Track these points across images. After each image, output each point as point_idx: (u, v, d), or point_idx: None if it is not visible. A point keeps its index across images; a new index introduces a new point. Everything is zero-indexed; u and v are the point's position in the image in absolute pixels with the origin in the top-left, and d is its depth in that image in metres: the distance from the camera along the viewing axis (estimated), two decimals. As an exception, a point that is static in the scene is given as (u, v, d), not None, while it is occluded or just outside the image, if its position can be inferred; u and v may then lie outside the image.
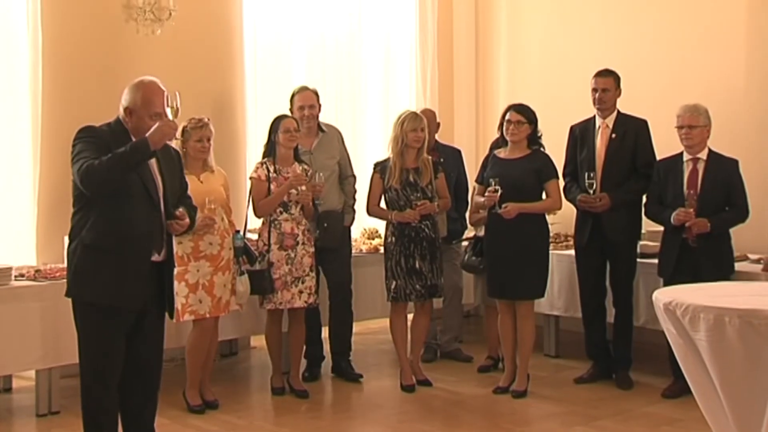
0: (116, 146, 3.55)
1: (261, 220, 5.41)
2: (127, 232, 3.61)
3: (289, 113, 5.50)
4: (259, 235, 5.42)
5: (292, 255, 5.30)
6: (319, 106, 5.67)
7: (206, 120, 5.06)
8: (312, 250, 5.40)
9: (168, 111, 3.58)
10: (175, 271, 4.07)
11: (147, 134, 3.51)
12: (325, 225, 5.53)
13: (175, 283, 4.25)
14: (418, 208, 5.40)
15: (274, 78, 6.92)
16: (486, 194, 5.22)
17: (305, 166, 5.46)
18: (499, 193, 5.16)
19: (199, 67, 6.19)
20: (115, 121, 3.74)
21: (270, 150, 5.37)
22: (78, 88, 5.67)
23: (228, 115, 6.35)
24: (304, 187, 5.31)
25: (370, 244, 6.51)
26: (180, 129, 4.90)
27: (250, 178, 5.37)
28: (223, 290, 5.11)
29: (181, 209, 3.79)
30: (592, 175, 5.36)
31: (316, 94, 5.68)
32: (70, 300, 3.72)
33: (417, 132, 5.37)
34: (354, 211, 5.86)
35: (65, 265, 3.78)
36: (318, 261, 5.53)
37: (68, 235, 3.73)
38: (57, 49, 5.66)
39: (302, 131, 5.40)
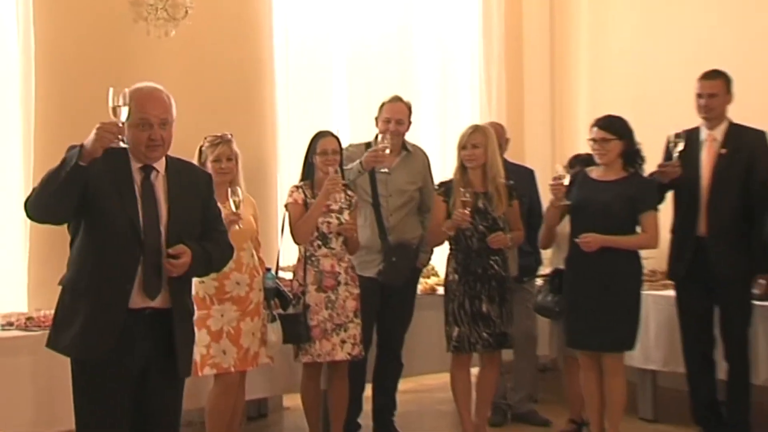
0: (110, 168, 3.49)
1: (297, 256, 5.43)
2: (99, 271, 3.51)
3: (330, 130, 5.50)
4: (294, 274, 5.43)
5: (333, 297, 5.31)
6: (409, 123, 5.78)
7: (228, 136, 5.05)
8: (357, 291, 5.40)
9: (109, 111, 3.41)
10: (195, 316, 4.05)
11: (84, 142, 3.38)
12: (393, 259, 5.59)
13: (195, 330, 4.05)
14: (491, 241, 5.38)
15: (309, 89, 6.98)
16: (551, 183, 5.16)
17: (350, 193, 5.47)
18: (566, 182, 5.13)
19: (220, 75, 6.26)
20: None
21: (307, 173, 5.40)
22: (78, 102, 5.66)
23: (256, 133, 6.40)
24: (342, 215, 5.30)
25: (426, 283, 6.51)
26: (197, 151, 4.96)
27: (286, 205, 5.39)
28: (251, 339, 5.10)
29: (180, 245, 3.58)
30: (680, 134, 5.34)
31: (409, 108, 5.78)
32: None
33: (468, 149, 5.37)
34: (431, 252, 5.90)
35: None
36: (370, 300, 5.55)
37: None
38: (52, 56, 5.70)
39: (384, 144, 5.43)
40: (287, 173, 6.56)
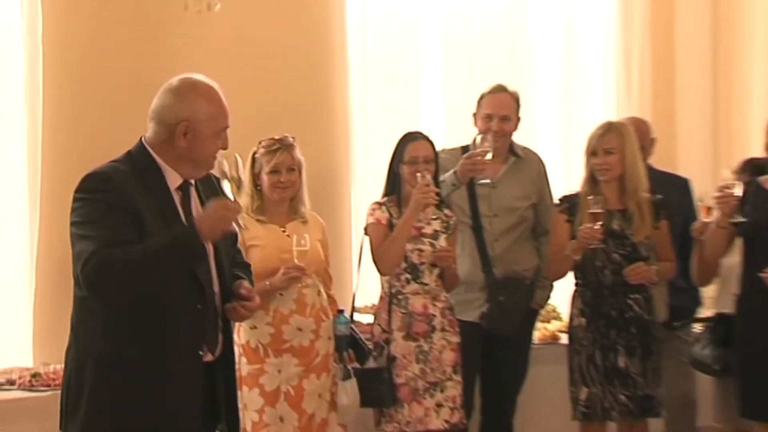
0: (142, 192, 3.55)
1: (379, 294, 5.46)
2: (164, 331, 3.57)
3: (421, 132, 5.51)
4: (375, 317, 5.43)
5: (426, 347, 5.30)
6: (517, 120, 5.80)
7: (289, 140, 5.08)
8: (456, 340, 5.39)
9: (225, 186, 3.62)
10: (245, 371, 4.29)
11: (198, 221, 3.53)
12: (501, 299, 5.56)
13: (243, 389, 4.45)
14: (630, 275, 5.31)
15: (392, 80, 6.97)
16: (717, 195, 5.10)
17: (447, 212, 5.48)
18: (738, 192, 5.08)
19: (278, 63, 6.25)
20: (137, 150, 3.68)
21: (392, 186, 5.41)
22: (95, 104, 5.70)
23: (323, 136, 6.39)
24: (437, 241, 5.31)
25: (545, 329, 6.49)
26: (248, 160, 4.99)
27: (365, 227, 5.39)
28: (317, 402, 5.10)
29: (246, 283, 3.74)
30: None
31: (517, 100, 5.81)
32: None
33: (599, 156, 5.35)
34: (552, 287, 5.89)
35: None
36: (472, 352, 5.51)
37: (71, 338, 3.69)
38: (63, 40, 5.72)
39: (484, 147, 5.44)
40: (364, 187, 6.59)
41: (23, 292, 5.76)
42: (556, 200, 5.67)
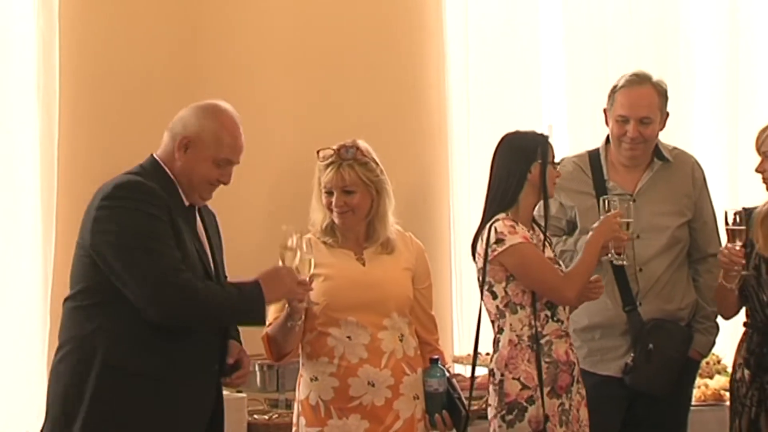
0: (172, 207, 3.79)
1: (506, 337, 4.92)
2: (180, 344, 3.81)
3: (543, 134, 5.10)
4: (501, 368, 4.87)
5: (567, 405, 4.86)
6: (664, 116, 5.40)
7: (349, 153, 4.62)
8: (583, 392, 5.05)
9: (291, 259, 3.94)
10: None
11: (264, 283, 3.84)
12: (650, 347, 5.15)
13: None
14: None
15: (500, 73, 6.75)
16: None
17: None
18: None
19: (360, 57, 6.09)
20: (151, 164, 3.89)
21: (513, 197, 4.92)
22: (121, 102, 5.64)
23: (415, 143, 6.29)
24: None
25: (706, 387, 6.00)
26: (316, 174, 4.72)
27: (514, 245, 4.82)
28: None
29: (232, 348, 3.98)
30: None
31: (662, 93, 5.41)
32: None
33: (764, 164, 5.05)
34: (717, 327, 5.46)
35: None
36: (610, 414, 5.18)
37: (68, 347, 3.83)
38: (81, 32, 5.60)
39: (623, 158, 5.29)
40: (465, 202, 6.36)
41: (38, 337, 5.63)
42: (730, 215, 5.16)
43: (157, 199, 3.75)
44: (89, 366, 3.75)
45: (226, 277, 4.13)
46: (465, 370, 5.58)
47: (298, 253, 4.20)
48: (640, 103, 5.29)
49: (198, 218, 3.99)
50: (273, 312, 4.48)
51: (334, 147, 4.63)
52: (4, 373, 5.63)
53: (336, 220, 4.59)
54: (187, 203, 3.87)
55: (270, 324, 4.45)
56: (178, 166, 3.86)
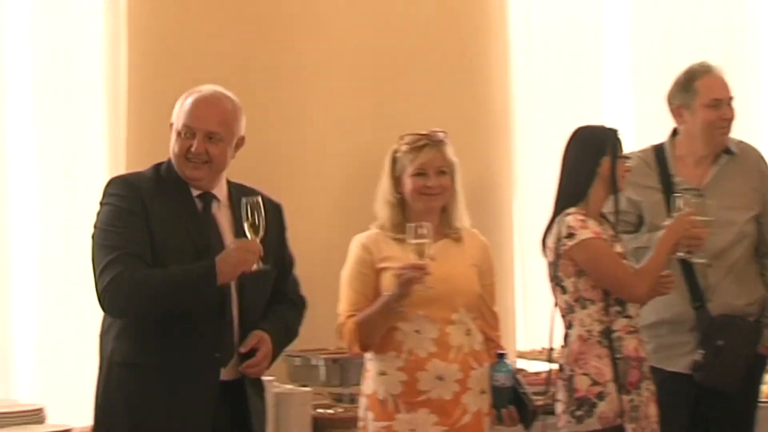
0: (162, 197, 3.98)
1: (575, 333, 4.92)
2: (176, 338, 3.92)
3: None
4: (574, 362, 4.86)
5: (636, 401, 4.83)
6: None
7: (440, 135, 4.69)
8: (653, 388, 4.97)
9: (246, 227, 3.96)
10: (371, 429, 4.32)
11: (217, 258, 3.91)
12: (720, 343, 5.12)
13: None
14: None
15: (565, 65, 6.71)
16: None
17: None
18: None
19: (422, 48, 6.02)
20: (168, 160, 4.10)
21: (582, 191, 4.94)
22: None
23: (478, 136, 6.13)
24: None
25: None
26: (387, 159, 4.69)
27: (585, 240, 4.85)
28: None
29: (249, 338, 4.01)
30: None
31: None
32: None
33: None
34: None
35: None
36: (678, 411, 5.12)
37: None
38: (150, 42, 5.64)
39: (714, 145, 5.26)
40: (529, 198, 6.40)
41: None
42: None
43: (128, 191, 3.92)
44: (104, 362, 3.97)
45: (289, 268, 4.22)
46: (529, 366, 5.62)
47: (420, 240, 4.30)
48: (726, 85, 5.35)
49: (229, 209, 4.03)
50: (355, 301, 4.51)
51: (422, 132, 4.69)
52: (75, 376, 5.56)
53: (421, 205, 4.60)
54: (198, 192, 3.98)
55: (352, 314, 4.49)
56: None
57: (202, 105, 4.02)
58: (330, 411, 5.00)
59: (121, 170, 5.50)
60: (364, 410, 4.53)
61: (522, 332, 6.06)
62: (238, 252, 3.89)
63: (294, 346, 5.15)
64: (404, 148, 4.65)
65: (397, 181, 4.63)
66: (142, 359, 3.90)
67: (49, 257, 5.53)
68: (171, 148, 4.01)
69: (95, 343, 5.33)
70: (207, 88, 4.11)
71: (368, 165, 4.78)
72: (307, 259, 5.27)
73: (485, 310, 4.75)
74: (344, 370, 5.18)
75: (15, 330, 5.45)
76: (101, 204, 3.99)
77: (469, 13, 6.21)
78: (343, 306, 4.60)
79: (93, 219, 5.39)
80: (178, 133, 4.00)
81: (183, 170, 3.99)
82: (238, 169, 4.34)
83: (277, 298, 4.18)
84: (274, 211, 4.23)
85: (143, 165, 5.22)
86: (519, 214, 6.41)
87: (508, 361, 4.74)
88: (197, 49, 5.68)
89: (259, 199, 3.97)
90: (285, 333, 4.18)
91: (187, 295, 3.89)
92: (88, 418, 4.92)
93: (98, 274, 3.88)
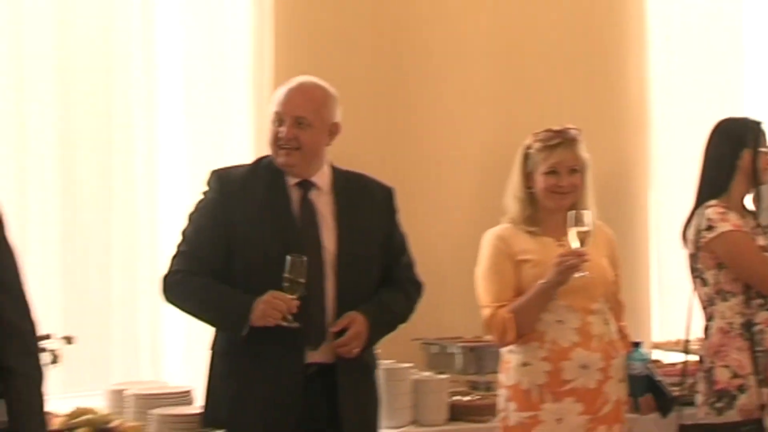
0: (256, 189, 4.07)
1: (715, 325, 4.92)
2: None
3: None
4: (714, 354, 4.84)
5: None
6: None
7: (573, 133, 4.67)
8: None
9: (284, 282, 3.93)
10: (513, 419, 4.35)
11: (256, 300, 3.93)
12: None
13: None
14: None
15: (704, 54, 6.63)
16: None
17: None
18: None
19: (558, 41, 6.00)
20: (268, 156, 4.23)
21: (723, 184, 4.91)
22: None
23: (613, 129, 6.09)
24: None
25: None
26: (519, 155, 4.69)
27: (725, 233, 4.83)
28: None
29: (350, 315, 4.01)
30: None
31: None
32: None
33: None
34: None
35: None
36: None
37: None
38: (294, 42, 5.73)
39: None
40: (666, 190, 6.33)
41: None
42: None
43: (218, 184, 4.06)
44: (211, 351, 4.17)
45: (399, 251, 4.22)
46: (665, 357, 5.54)
47: (583, 228, 4.35)
48: None
49: (333, 197, 4.09)
50: (498, 292, 4.48)
51: (555, 128, 4.69)
52: None
53: (552, 203, 4.60)
54: (296, 180, 4.03)
55: (499, 305, 4.48)
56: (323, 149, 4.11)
57: (291, 92, 4.09)
58: (466, 398, 5.03)
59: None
60: (504, 401, 4.55)
61: (657, 323, 6.00)
62: (265, 305, 3.91)
63: (431, 334, 5.25)
64: (537, 145, 4.66)
65: (527, 177, 4.64)
66: (233, 347, 4.01)
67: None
68: (268, 137, 4.10)
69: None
70: (299, 78, 4.19)
71: (504, 158, 4.78)
72: (441, 251, 5.34)
73: (613, 300, 4.78)
74: (480, 358, 5.20)
75: (165, 319, 5.58)
76: (203, 192, 4.14)
77: (606, 9, 6.17)
78: (487, 298, 4.59)
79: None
80: (271, 121, 4.09)
81: (276, 158, 4.06)
82: (374, 165, 4.44)
83: (389, 282, 4.19)
84: (385, 196, 4.26)
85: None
86: (655, 207, 6.31)
87: (643, 350, 4.74)
88: (337, 48, 5.70)
89: (304, 260, 3.95)
90: (386, 315, 4.15)
91: (217, 322, 4.05)
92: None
93: (169, 260, 4.10)
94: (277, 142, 4.01)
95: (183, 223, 4.16)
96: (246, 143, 5.76)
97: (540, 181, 4.57)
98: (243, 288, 4.00)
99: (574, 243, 4.35)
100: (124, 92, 5.50)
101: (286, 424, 3.99)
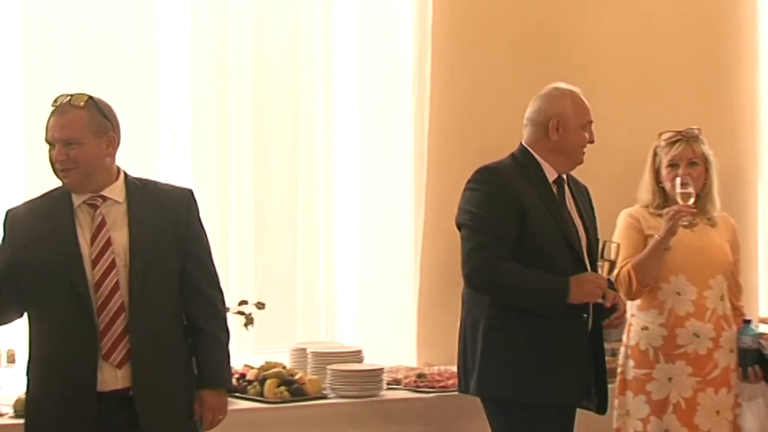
0: (526, 185, 4.19)
1: None
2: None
3: None
4: None
5: None
6: None
7: (694, 132, 4.90)
8: None
9: (600, 263, 4.22)
10: (630, 374, 4.69)
11: (572, 279, 4.11)
12: None
13: (627, 395, 4.76)
14: None
15: None
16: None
17: None
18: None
19: (679, 50, 6.15)
20: (519, 150, 4.32)
21: None
22: (485, 99, 5.84)
23: (726, 128, 6.15)
24: None
25: None
26: (650, 154, 4.92)
27: None
28: (713, 420, 4.83)
29: (610, 292, 4.21)
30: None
31: None
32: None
33: None
34: None
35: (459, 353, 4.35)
36: None
37: (464, 310, 4.35)
38: (454, 37, 5.87)
39: None
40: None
41: (409, 293, 5.95)
42: None
43: (506, 182, 4.17)
44: (477, 324, 4.24)
45: (597, 240, 4.35)
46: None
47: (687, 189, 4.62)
48: None
49: (568, 190, 4.31)
50: (627, 255, 4.64)
51: (679, 129, 4.86)
52: (387, 324, 5.97)
53: (677, 192, 4.70)
54: (553, 177, 4.23)
55: (626, 259, 4.66)
56: (553, 144, 4.24)
57: (584, 100, 4.29)
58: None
59: (423, 164, 5.90)
60: (624, 358, 4.79)
61: (765, 301, 5.99)
62: (592, 285, 4.10)
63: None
64: (662, 144, 4.86)
65: (656, 172, 4.85)
66: (513, 322, 4.15)
67: (367, 225, 5.88)
68: (573, 140, 4.22)
69: (405, 298, 5.89)
70: (567, 86, 4.32)
71: (639, 152, 4.98)
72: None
73: (732, 281, 4.92)
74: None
75: (339, 286, 5.85)
76: (470, 189, 4.22)
77: (722, 15, 6.27)
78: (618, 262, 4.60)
79: (394, 199, 5.95)
80: (583, 127, 4.25)
81: (579, 159, 4.27)
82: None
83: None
84: (585, 192, 4.47)
85: (443, 163, 5.81)
86: (764, 201, 6.33)
87: (754, 326, 4.89)
88: (490, 52, 5.88)
89: (619, 245, 4.25)
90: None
91: (535, 304, 4.11)
92: (398, 360, 5.67)
93: (467, 253, 4.13)
94: (585, 145, 4.27)
95: (465, 219, 4.20)
96: (407, 144, 5.97)
97: (664, 174, 4.80)
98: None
99: (679, 201, 4.59)
100: (308, 102, 5.78)
101: (581, 372, 4.29)
